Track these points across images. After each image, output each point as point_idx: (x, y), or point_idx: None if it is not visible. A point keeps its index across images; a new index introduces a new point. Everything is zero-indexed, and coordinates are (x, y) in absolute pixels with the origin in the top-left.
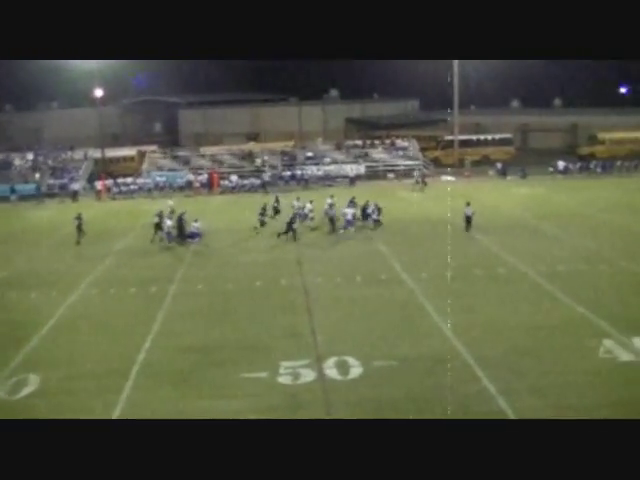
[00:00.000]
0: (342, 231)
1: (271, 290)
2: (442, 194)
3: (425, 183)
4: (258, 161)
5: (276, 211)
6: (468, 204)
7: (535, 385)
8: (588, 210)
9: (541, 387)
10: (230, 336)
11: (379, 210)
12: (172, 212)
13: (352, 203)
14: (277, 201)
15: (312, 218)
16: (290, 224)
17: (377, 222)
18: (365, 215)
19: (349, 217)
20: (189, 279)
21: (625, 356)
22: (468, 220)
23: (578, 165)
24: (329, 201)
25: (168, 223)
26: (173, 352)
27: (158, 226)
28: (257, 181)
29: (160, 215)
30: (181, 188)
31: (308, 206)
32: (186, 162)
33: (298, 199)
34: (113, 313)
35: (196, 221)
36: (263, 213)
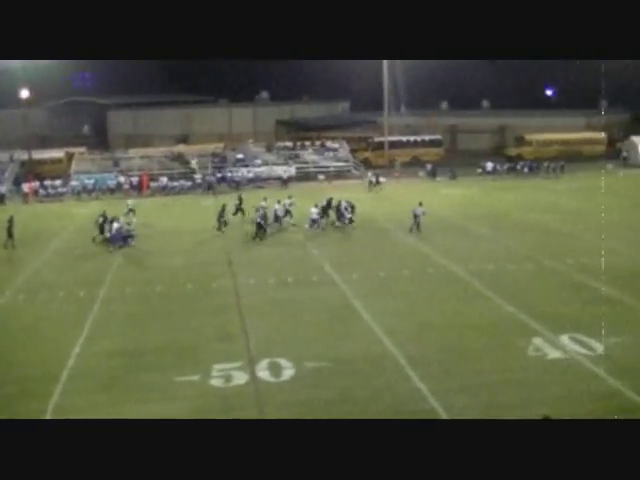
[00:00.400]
0: (307, 226)
1: (202, 293)
2: (371, 195)
3: (379, 183)
4: (194, 162)
5: (239, 210)
6: (420, 204)
7: (466, 384)
8: (516, 210)
9: (472, 386)
10: (161, 340)
11: (352, 208)
12: (131, 211)
13: (328, 203)
14: (240, 201)
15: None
16: (260, 224)
17: (351, 220)
18: (339, 214)
19: (314, 216)
20: (119, 282)
21: (553, 354)
22: (417, 219)
23: (506, 166)
24: (263, 204)
25: (115, 225)
26: (104, 357)
27: (102, 227)
28: (187, 183)
29: (104, 216)
30: (111, 190)
31: (286, 201)
32: (115, 164)
33: (265, 199)
34: (41, 318)
35: (129, 224)
36: (222, 214)
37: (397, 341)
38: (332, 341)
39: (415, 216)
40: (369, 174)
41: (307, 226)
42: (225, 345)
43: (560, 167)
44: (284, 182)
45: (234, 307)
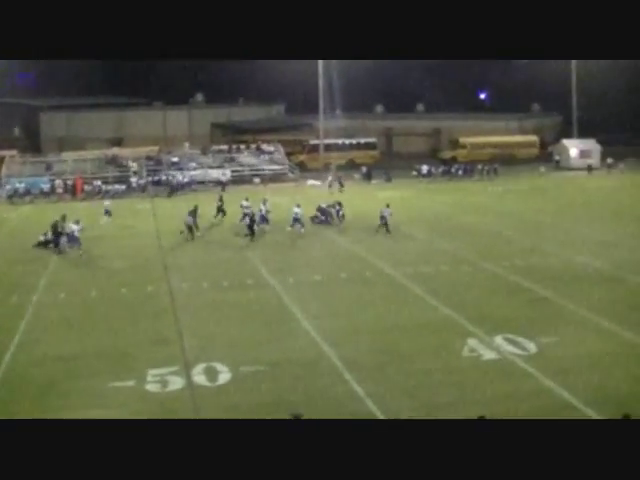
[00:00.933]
0: (289, 228)
1: (137, 297)
2: (307, 197)
3: (342, 184)
4: (135, 165)
5: (220, 211)
6: (387, 206)
7: (403, 385)
8: (450, 213)
9: (409, 387)
10: (95, 345)
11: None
12: (107, 212)
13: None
14: (221, 201)
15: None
16: (251, 225)
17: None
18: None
19: (297, 216)
20: (52, 287)
21: (489, 354)
22: (384, 220)
23: (441, 169)
24: (245, 203)
25: (74, 227)
26: (37, 363)
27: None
28: (122, 187)
29: (62, 219)
30: (44, 194)
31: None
32: (48, 167)
33: (247, 199)
34: None
35: (77, 222)
36: (194, 215)
37: (333, 344)
38: (268, 345)
39: (382, 217)
40: (330, 178)
41: (289, 227)
42: (160, 350)
43: (494, 170)
44: (223, 185)
45: (169, 311)
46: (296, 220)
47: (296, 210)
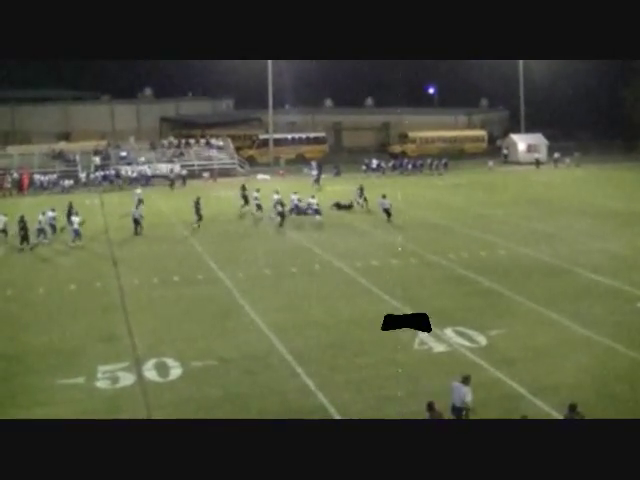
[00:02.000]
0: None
1: (86, 293)
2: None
3: (318, 181)
4: (85, 159)
5: (244, 199)
6: (384, 196)
7: (353, 379)
8: (399, 206)
9: (359, 381)
10: (44, 342)
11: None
12: (140, 201)
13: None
14: (244, 189)
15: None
16: (282, 213)
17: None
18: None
19: (295, 201)
20: None
21: (438, 347)
22: (387, 212)
23: (390, 163)
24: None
25: (76, 219)
26: None
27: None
28: (70, 181)
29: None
30: None
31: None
32: None
33: (258, 190)
34: None
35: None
36: (198, 208)
37: (284, 338)
38: (219, 339)
39: (384, 209)
40: (312, 173)
41: (287, 212)
42: (110, 346)
43: (444, 164)
44: (183, 179)
45: (119, 307)
46: (296, 207)
47: (293, 197)
